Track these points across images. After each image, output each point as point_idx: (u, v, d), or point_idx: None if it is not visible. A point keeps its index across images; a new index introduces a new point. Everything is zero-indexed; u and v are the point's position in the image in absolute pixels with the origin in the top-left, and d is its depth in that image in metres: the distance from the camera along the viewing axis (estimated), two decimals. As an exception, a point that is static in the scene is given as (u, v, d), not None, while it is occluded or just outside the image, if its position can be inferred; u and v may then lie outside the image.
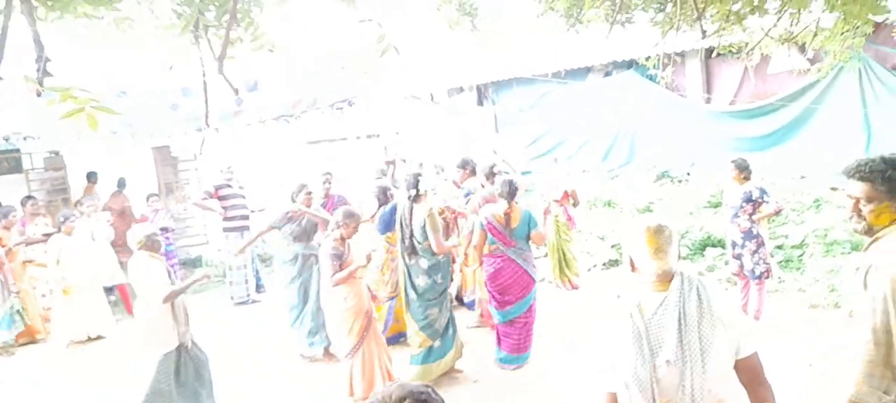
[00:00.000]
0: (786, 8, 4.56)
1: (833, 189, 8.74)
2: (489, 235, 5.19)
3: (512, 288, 5.18)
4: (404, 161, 9.95)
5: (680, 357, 2.03)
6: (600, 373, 2.20)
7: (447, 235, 5.78)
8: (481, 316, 6.26)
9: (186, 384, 4.54)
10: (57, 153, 10.19)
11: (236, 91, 3.04)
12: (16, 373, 6.38)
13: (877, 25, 7.78)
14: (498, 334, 5.39)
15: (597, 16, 4.98)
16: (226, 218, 8.13)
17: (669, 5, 4.77)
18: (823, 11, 5.20)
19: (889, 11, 4.29)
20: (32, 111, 7.42)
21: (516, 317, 5.23)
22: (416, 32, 8.56)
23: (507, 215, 5.13)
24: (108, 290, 7.82)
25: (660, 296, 2.12)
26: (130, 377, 5.61)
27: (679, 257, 2.20)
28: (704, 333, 2.04)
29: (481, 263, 5.63)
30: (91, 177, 9.82)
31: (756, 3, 4.30)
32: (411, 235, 4.95)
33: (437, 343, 5.04)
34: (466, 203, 6.50)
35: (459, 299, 6.88)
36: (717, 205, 9.05)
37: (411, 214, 4.95)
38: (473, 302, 6.55)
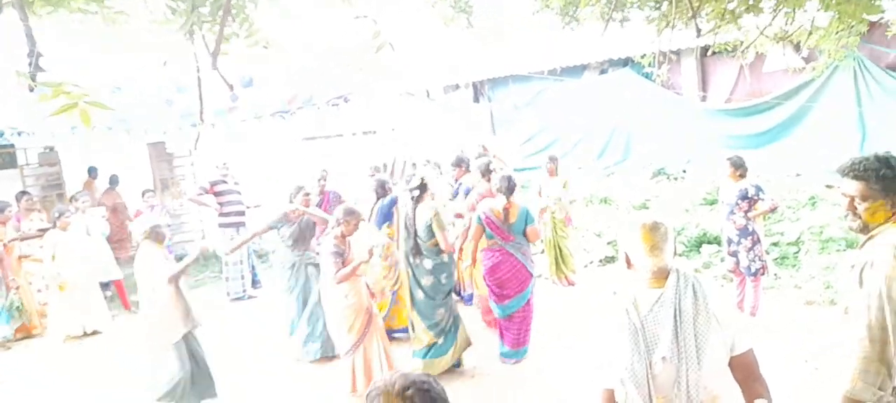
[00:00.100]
0: (781, 7, 4.57)
1: (828, 186, 8.76)
2: (487, 230, 5.22)
3: (510, 282, 5.21)
4: (413, 165, 9.93)
5: (675, 353, 2.03)
6: (597, 370, 2.20)
7: None
8: (484, 316, 6.26)
9: (202, 367, 4.70)
10: (52, 148, 10.16)
11: (231, 87, 3.03)
12: (12, 368, 6.36)
13: (871, 24, 7.82)
14: (500, 329, 5.42)
15: (593, 13, 4.99)
16: (221, 214, 8.11)
17: (665, 3, 4.77)
18: (818, 10, 5.22)
19: (884, 11, 4.31)
20: (26, 106, 7.39)
21: (514, 312, 5.27)
22: (412, 29, 8.55)
23: (506, 210, 5.16)
24: (104, 286, 7.80)
25: (656, 293, 2.13)
26: (127, 372, 5.63)
27: (675, 254, 2.20)
28: (700, 330, 2.04)
29: (474, 261, 5.65)
30: (92, 171, 9.79)
31: (751, 2, 4.31)
32: (415, 235, 4.97)
33: (440, 341, 5.08)
34: (465, 197, 6.52)
35: (457, 293, 6.91)
36: (712, 203, 9.07)
37: (415, 215, 4.98)
38: (472, 296, 6.56)
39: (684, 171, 11.15)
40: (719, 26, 5.05)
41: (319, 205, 7.40)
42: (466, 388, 4.96)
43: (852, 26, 5.82)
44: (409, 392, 1.43)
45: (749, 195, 5.44)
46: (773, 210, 5.69)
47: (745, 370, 2.10)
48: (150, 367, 4.79)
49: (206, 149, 9.73)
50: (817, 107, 9.82)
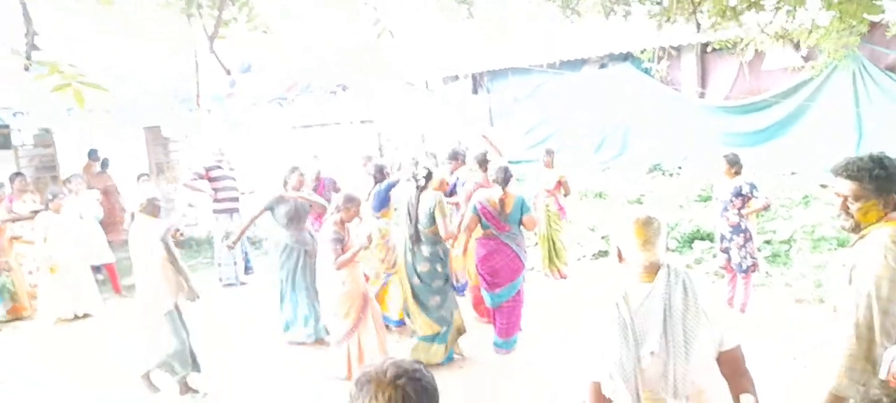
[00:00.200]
0: (782, 5, 4.57)
1: (823, 186, 8.80)
2: (483, 219, 5.24)
3: (502, 271, 5.24)
4: (416, 163, 9.93)
5: (664, 348, 2.05)
6: (590, 363, 2.22)
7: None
8: (476, 307, 6.27)
9: (191, 339, 4.76)
10: (47, 130, 10.11)
11: (228, 71, 3.02)
12: (1, 350, 6.35)
13: (872, 25, 7.83)
14: (494, 319, 5.46)
15: (594, 7, 4.98)
16: (216, 200, 8.09)
17: (666, -2, 4.77)
18: (820, 9, 5.22)
19: (884, 11, 4.30)
20: (22, 87, 7.34)
21: (505, 302, 5.30)
22: (412, 19, 8.52)
23: (502, 201, 5.18)
24: (96, 269, 7.78)
25: (646, 288, 2.14)
26: (117, 356, 5.63)
27: (667, 249, 2.22)
28: (689, 325, 2.05)
29: (465, 250, 5.67)
30: (92, 154, 9.72)
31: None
32: (416, 222, 5.03)
33: (443, 329, 5.14)
34: (462, 187, 6.53)
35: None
36: (707, 199, 9.10)
37: (418, 202, 5.03)
38: (465, 286, 6.57)
39: (680, 168, 11.17)
40: (720, 23, 5.05)
41: (314, 191, 7.38)
42: (457, 379, 4.97)
43: (853, 26, 5.83)
44: (401, 381, 1.41)
45: (743, 192, 5.46)
46: (766, 208, 5.71)
47: (732, 365, 2.11)
48: (145, 341, 4.81)
49: (203, 134, 9.69)
50: (815, 106, 9.84)
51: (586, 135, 12.48)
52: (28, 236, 7.15)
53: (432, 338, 5.15)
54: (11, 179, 7.57)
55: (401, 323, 5.97)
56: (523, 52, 12.10)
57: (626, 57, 11.63)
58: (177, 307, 4.68)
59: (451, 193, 6.68)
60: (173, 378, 4.80)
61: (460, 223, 5.56)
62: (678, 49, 10.97)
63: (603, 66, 12.42)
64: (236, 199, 8.22)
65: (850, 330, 2.19)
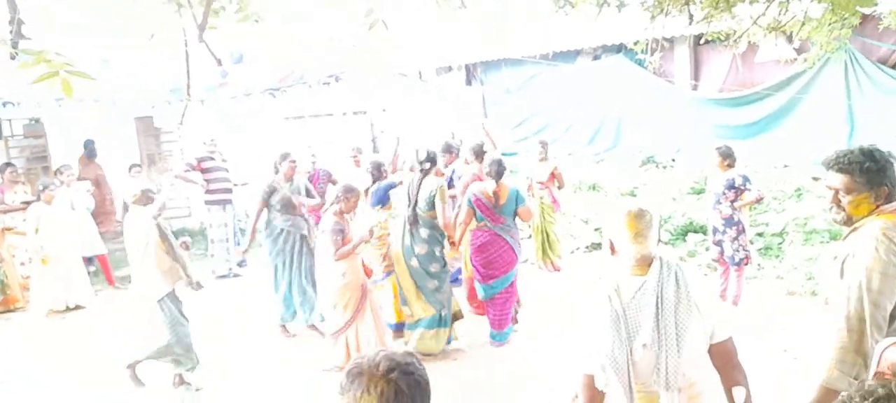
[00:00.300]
0: (775, -4, 4.57)
1: (815, 178, 8.83)
2: (477, 212, 5.25)
3: (496, 263, 5.26)
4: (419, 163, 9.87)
5: (656, 341, 2.05)
6: (586, 357, 2.21)
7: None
8: (470, 301, 6.27)
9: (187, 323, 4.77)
10: (37, 120, 10.01)
11: (219, 61, 2.99)
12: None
13: (864, 17, 7.85)
14: (487, 311, 5.47)
15: (587, -2, 4.97)
16: (208, 191, 8.05)
17: (659, -11, 4.76)
18: (812, 1, 5.22)
19: (876, 3, 4.32)
20: (12, 76, 7.27)
21: (498, 293, 5.31)
22: (406, 9, 8.48)
23: (496, 194, 5.19)
24: (88, 261, 7.74)
25: (638, 280, 2.13)
26: (108, 347, 5.60)
27: (660, 242, 2.21)
28: (681, 318, 2.06)
29: (459, 242, 5.67)
30: (87, 146, 9.61)
31: (745, -10, 4.31)
32: (415, 204, 5.07)
33: (443, 312, 5.17)
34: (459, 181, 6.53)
35: None
36: (700, 192, 9.12)
37: (419, 186, 5.08)
38: (459, 271, 6.57)
39: (673, 160, 11.19)
40: (713, 15, 5.05)
41: (310, 183, 7.34)
42: (453, 372, 4.97)
43: (845, 18, 5.85)
44: (394, 374, 1.39)
45: (736, 185, 5.47)
46: (759, 200, 5.73)
47: (723, 357, 2.12)
48: (139, 333, 4.78)
49: (195, 124, 9.62)
50: (808, 99, 9.86)
51: (579, 126, 12.47)
52: (20, 227, 7.11)
53: (437, 322, 5.16)
54: (2, 170, 7.51)
55: (398, 327, 5.94)
56: (517, 43, 12.07)
57: (620, 48, 11.62)
58: (174, 297, 4.65)
59: (448, 186, 6.68)
60: (177, 370, 4.78)
61: (456, 216, 5.55)
62: (671, 41, 10.95)
63: (597, 57, 12.40)
64: (229, 190, 8.19)
65: (841, 322, 2.19)
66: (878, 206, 2.23)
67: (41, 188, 6.92)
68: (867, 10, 6.40)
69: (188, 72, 3.12)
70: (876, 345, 2.04)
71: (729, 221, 5.55)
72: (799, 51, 9.68)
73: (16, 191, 7.37)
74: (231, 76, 9.41)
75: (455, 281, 6.87)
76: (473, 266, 5.43)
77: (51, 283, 6.91)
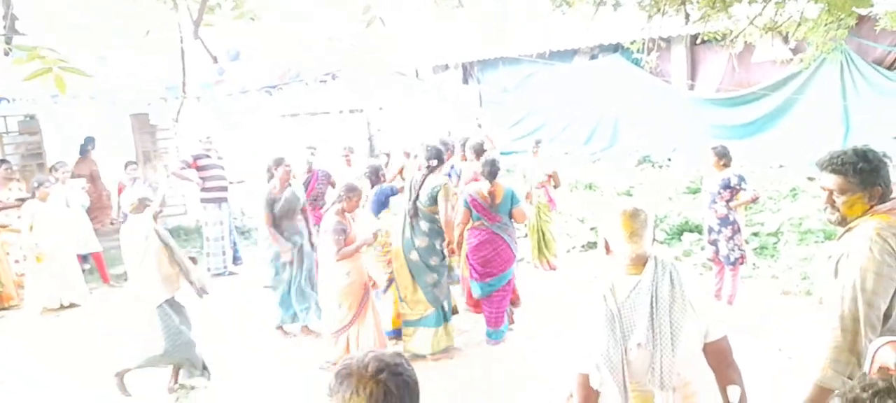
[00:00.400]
0: (771, -4, 4.58)
1: (810, 179, 8.85)
2: (474, 212, 5.26)
3: (494, 261, 5.27)
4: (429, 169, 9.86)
5: (651, 340, 2.05)
6: (585, 357, 2.21)
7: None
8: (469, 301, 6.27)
9: (189, 330, 4.71)
10: (32, 117, 9.96)
11: (215, 58, 2.98)
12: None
13: (860, 18, 7.87)
14: (483, 309, 5.48)
15: (584, -3, 4.97)
16: (204, 189, 8.02)
17: (656, -11, 4.76)
18: (808, 2, 5.24)
19: (873, 4, 4.33)
20: (6, 73, 7.23)
21: (495, 291, 5.32)
22: (404, 7, 8.47)
23: (491, 193, 5.21)
24: (83, 258, 7.71)
25: (633, 280, 2.14)
26: (103, 346, 5.58)
27: (656, 241, 2.22)
28: (675, 317, 2.06)
29: (459, 245, 5.66)
30: (89, 142, 9.55)
31: (742, -10, 4.32)
32: (416, 198, 5.09)
33: (444, 308, 5.18)
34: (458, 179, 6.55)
35: None
36: (696, 191, 9.14)
37: (423, 181, 5.10)
38: (457, 272, 6.57)
39: (669, 159, 11.21)
40: (709, 14, 5.05)
41: (307, 184, 7.32)
42: (448, 372, 4.97)
43: (841, 19, 5.86)
44: (383, 375, 1.39)
45: (731, 185, 5.48)
46: (754, 200, 5.74)
47: (718, 356, 2.12)
48: (133, 339, 4.75)
49: (191, 122, 9.59)
50: (803, 99, 9.89)
51: (576, 125, 12.49)
52: (14, 225, 7.07)
53: (442, 319, 5.17)
54: (-4, 167, 7.47)
55: (396, 333, 5.92)
56: (514, 41, 12.07)
57: (617, 48, 11.63)
58: (174, 303, 4.58)
59: None
60: (189, 377, 4.76)
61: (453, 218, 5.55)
62: (668, 40, 10.97)
63: (593, 57, 12.41)
64: (225, 188, 8.16)
65: (835, 322, 2.20)
66: (872, 207, 2.24)
67: (36, 185, 6.88)
68: (863, 11, 6.42)
69: (184, 69, 3.11)
70: (870, 345, 2.04)
71: (724, 221, 5.56)
72: (795, 51, 9.71)
73: (10, 187, 7.34)
74: (227, 73, 9.37)
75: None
76: (470, 264, 5.42)
77: (46, 281, 6.88)
